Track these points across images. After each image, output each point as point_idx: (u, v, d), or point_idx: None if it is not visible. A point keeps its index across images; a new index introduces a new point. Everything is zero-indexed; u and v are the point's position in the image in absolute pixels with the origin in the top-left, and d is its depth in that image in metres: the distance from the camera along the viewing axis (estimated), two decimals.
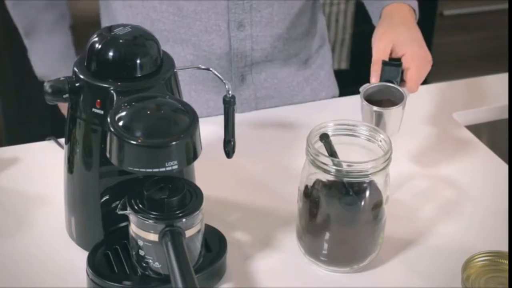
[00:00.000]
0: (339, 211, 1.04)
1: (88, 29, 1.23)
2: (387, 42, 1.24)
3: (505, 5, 2.88)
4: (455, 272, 1.04)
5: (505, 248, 1.08)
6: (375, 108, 1.16)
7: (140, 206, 0.97)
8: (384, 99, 1.19)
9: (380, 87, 1.20)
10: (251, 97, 1.44)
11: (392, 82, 1.20)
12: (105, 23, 1.45)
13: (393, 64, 1.22)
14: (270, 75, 1.44)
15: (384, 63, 1.22)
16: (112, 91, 0.97)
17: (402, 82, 1.22)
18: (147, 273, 1.00)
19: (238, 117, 1.13)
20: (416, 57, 1.23)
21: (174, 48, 1.37)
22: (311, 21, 1.48)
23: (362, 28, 1.65)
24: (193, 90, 1.42)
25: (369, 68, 1.22)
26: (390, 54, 1.24)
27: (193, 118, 0.95)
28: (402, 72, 1.22)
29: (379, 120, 1.17)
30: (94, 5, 2.69)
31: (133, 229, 0.98)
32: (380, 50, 1.23)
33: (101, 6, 1.48)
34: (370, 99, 1.19)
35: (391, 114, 1.17)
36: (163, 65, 1.02)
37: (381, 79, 1.21)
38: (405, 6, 1.32)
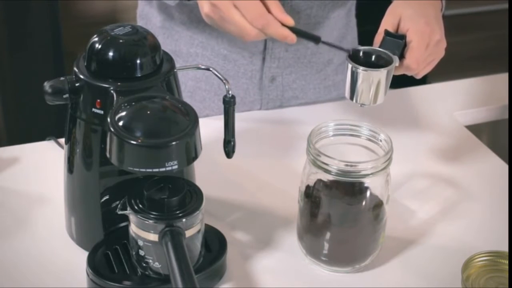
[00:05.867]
0: (340, 211, 1.04)
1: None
2: (395, 15, 1.16)
3: (505, 5, 2.89)
4: (455, 272, 1.04)
5: (505, 248, 1.08)
6: (350, 65, 1.07)
7: (140, 206, 0.97)
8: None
9: (369, 51, 1.11)
10: (277, 97, 1.44)
11: None
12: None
13: (396, 36, 1.13)
14: (300, 77, 1.43)
15: (387, 34, 1.13)
16: (112, 91, 0.97)
17: (403, 59, 1.12)
18: (147, 273, 1.00)
19: (239, 117, 1.13)
20: (420, 33, 1.13)
21: (210, 40, 1.36)
22: (346, 27, 1.46)
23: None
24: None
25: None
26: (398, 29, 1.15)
27: (193, 118, 0.95)
28: (405, 48, 1.12)
29: (354, 81, 1.08)
30: (95, 5, 2.70)
31: (133, 229, 0.98)
32: (386, 22, 1.16)
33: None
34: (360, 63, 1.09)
35: (365, 77, 1.08)
36: (163, 65, 1.02)
37: None
38: None
